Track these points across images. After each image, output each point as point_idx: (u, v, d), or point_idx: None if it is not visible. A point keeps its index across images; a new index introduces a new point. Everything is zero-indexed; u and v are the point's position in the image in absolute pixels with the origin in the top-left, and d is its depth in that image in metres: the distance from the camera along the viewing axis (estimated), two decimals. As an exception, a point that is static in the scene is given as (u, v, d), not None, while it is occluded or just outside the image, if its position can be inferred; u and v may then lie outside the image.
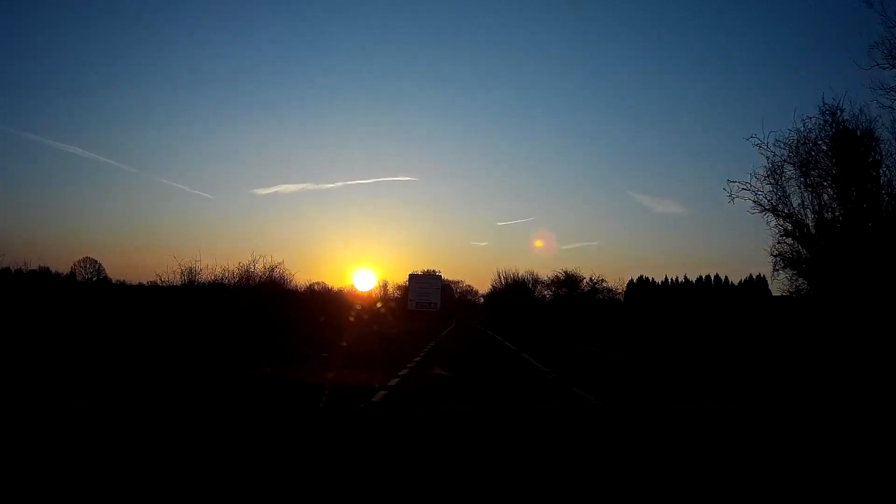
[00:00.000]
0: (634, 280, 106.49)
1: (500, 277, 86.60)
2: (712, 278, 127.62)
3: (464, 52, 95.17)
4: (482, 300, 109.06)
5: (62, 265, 57.45)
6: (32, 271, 35.93)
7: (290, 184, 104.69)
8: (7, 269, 30.33)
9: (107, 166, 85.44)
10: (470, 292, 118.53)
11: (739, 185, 23.25)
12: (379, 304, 53.36)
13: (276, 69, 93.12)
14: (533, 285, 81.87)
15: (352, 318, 43.12)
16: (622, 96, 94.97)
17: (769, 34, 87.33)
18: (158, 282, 29.84)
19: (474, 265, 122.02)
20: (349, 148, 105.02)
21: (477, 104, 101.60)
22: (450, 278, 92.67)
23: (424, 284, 58.51)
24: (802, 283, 22.66)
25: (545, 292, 77.12)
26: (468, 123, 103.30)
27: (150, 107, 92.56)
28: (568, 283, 64.95)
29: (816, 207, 21.57)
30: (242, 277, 31.46)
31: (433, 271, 60.39)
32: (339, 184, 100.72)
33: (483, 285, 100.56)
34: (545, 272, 60.15)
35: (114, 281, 51.74)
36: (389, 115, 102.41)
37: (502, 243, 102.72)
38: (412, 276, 59.19)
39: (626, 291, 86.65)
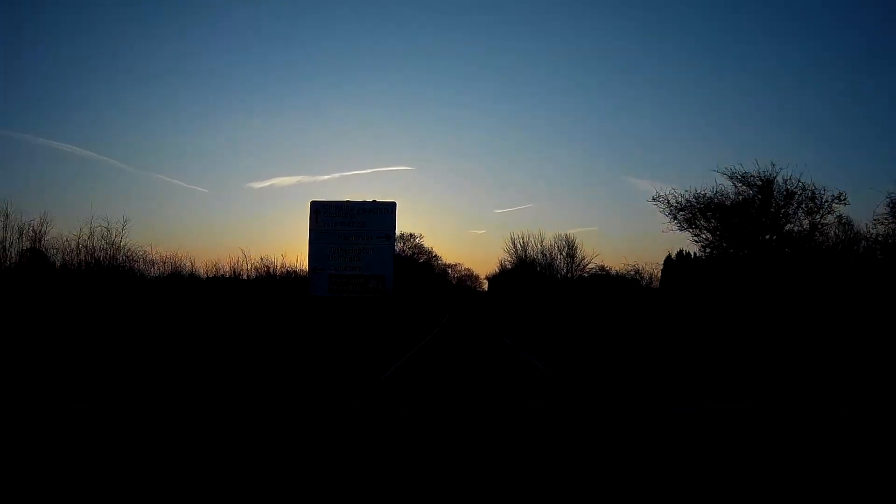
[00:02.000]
0: (673, 256, 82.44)
1: (514, 247, 58.06)
2: None
3: (458, 41, 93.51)
4: (486, 286, 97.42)
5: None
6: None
7: (286, 176, 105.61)
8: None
9: (101, 163, 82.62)
10: (470, 277, 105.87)
11: None
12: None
13: (270, 62, 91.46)
14: (569, 253, 53.54)
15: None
16: (618, 82, 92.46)
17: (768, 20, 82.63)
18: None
19: (473, 254, 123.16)
20: (344, 139, 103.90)
21: (472, 92, 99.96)
22: (448, 261, 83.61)
23: (351, 230, 18.88)
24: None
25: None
26: (464, 111, 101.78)
27: (142, 102, 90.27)
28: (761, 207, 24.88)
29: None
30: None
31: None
32: (336, 175, 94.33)
33: (483, 272, 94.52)
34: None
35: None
36: (385, 105, 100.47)
37: (501, 231, 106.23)
38: (318, 208, 18.90)
39: (662, 272, 57.88)
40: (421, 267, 51.56)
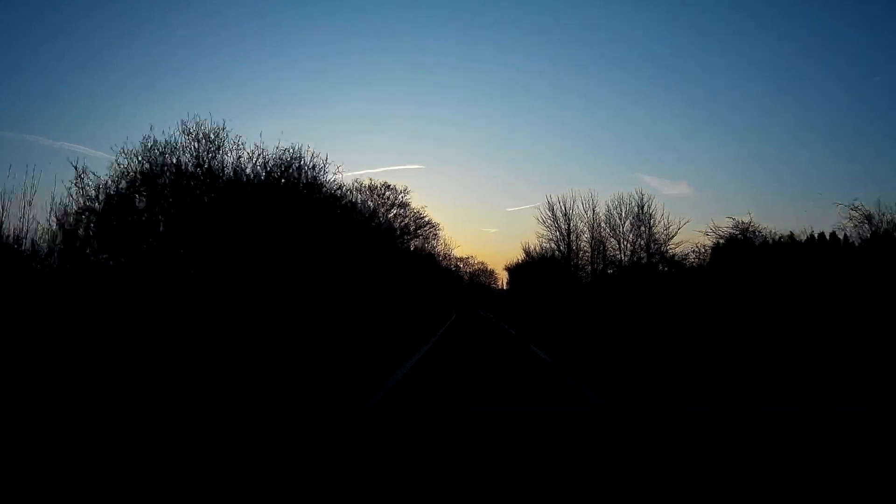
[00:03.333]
0: (721, 242, 65.42)
1: (553, 217, 38.43)
2: (827, 236, 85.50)
3: (468, 37, 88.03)
4: (504, 282, 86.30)
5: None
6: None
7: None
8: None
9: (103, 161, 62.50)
10: (484, 272, 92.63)
11: None
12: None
13: (281, 63, 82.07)
14: (639, 219, 34.30)
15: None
16: (630, 79, 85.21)
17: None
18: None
19: (485, 251, 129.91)
20: (356, 139, 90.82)
21: (483, 90, 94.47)
22: (459, 254, 73.24)
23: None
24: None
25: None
26: (474, 109, 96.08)
27: (151, 104, 71.34)
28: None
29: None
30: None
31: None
32: (348, 174, 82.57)
33: (497, 270, 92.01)
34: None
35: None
36: (395, 103, 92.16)
37: (512, 229, 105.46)
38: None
39: (710, 258, 37.83)
40: (394, 241, 31.08)
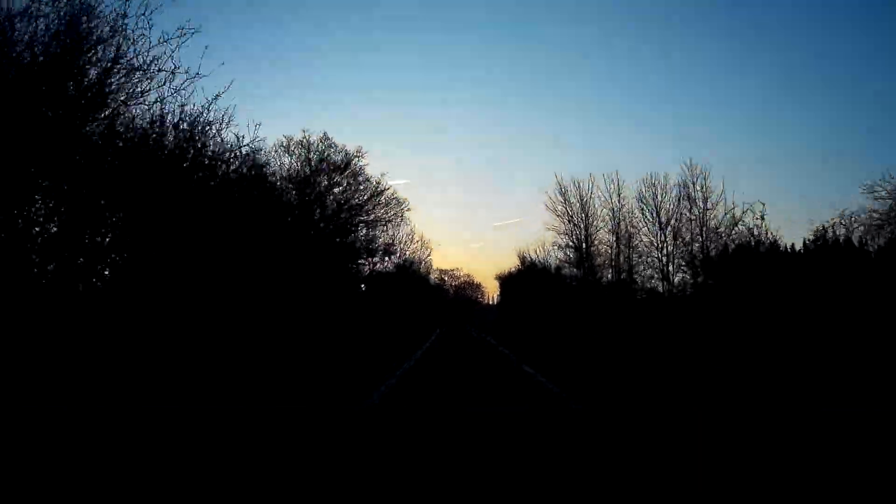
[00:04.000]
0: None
1: (564, 203, 28.98)
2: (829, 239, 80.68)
3: (454, 51, 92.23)
4: (493, 296, 78.68)
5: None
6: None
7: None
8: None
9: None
10: (470, 285, 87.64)
11: None
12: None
13: (265, 75, 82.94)
14: (686, 196, 24.94)
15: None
16: (613, 95, 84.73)
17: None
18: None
19: (472, 267, 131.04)
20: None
21: (470, 104, 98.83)
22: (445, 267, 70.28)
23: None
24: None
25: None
26: (461, 123, 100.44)
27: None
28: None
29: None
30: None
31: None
32: None
33: (483, 287, 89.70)
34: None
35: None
36: (382, 118, 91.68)
37: (498, 244, 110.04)
38: None
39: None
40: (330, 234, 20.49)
